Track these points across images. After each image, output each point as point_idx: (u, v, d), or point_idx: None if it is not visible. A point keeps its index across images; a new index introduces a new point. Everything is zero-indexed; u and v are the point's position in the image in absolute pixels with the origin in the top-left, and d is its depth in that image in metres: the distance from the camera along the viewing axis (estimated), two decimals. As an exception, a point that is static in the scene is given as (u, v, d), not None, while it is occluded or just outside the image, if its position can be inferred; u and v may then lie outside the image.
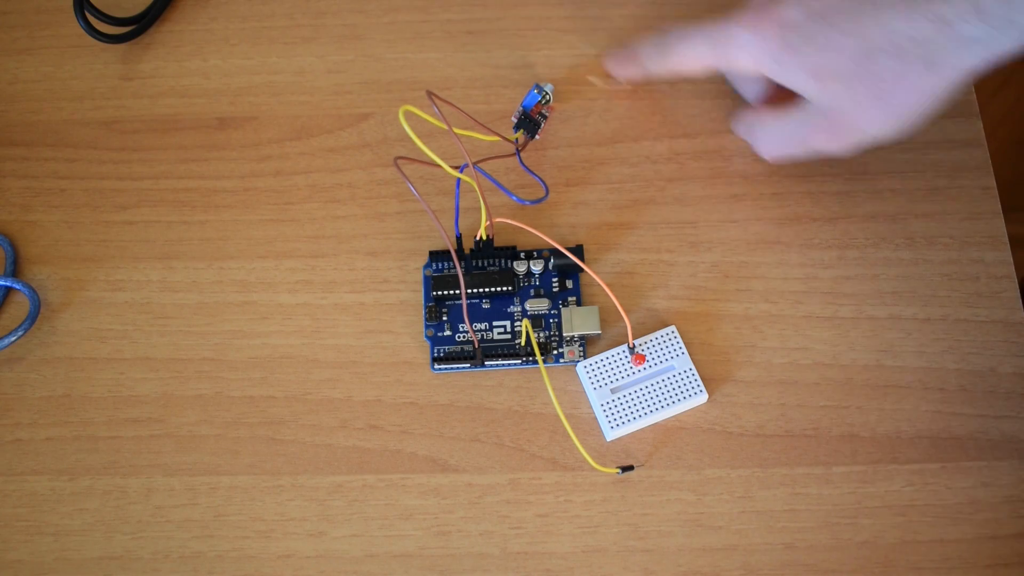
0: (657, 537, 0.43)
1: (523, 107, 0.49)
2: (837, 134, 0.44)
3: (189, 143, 0.52)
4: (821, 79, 0.43)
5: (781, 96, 0.47)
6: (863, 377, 0.45)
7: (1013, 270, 0.47)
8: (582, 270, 0.47)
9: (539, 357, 0.45)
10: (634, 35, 0.51)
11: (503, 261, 0.48)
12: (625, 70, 0.51)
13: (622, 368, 0.45)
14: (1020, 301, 0.47)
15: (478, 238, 0.47)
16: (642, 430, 0.45)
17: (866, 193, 0.49)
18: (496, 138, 0.49)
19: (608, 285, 0.45)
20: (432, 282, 0.47)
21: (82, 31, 0.52)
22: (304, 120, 0.52)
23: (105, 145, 0.52)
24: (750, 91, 0.49)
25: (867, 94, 0.42)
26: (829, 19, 0.42)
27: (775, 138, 0.47)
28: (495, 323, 0.47)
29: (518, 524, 0.44)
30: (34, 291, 0.48)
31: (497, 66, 0.53)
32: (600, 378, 0.45)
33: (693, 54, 0.47)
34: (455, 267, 0.47)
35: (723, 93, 0.52)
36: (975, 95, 0.51)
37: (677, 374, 0.45)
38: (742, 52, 0.44)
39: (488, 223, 0.46)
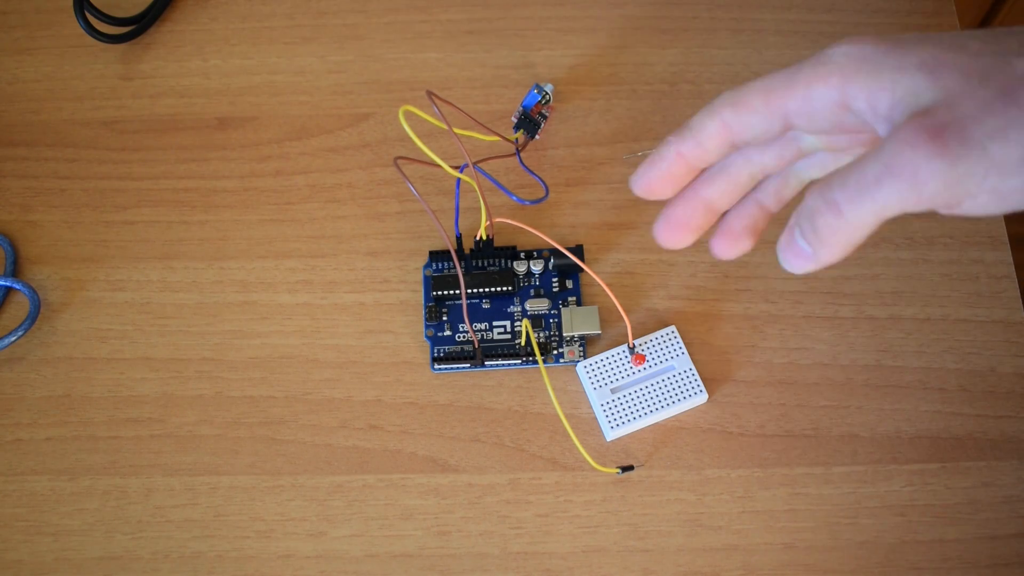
0: (657, 537, 0.43)
1: (523, 107, 0.49)
2: (942, 140, 0.30)
3: (189, 143, 0.52)
4: (934, 70, 0.31)
5: None
6: (863, 377, 0.45)
7: (1013, 270, 0.47)
8: (582, 270, 0.47)
9: (539, 357, 0.45)
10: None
11: (503, 261, 0.48)
12: (655, 172, 0.36)
13: (622, 368, 0.45)
14: (1020, 301, 0.47)
15: (478, 238, 0.47)
16: (642, 430, 0.45)
17: (866, 193, 0.49)
18: (496, 138, 0.49)
19: (608, 285, 0.45)
20: (432, 282, 0.47)
21: (82, 31, 0.52)
22: (304, 120, 0.52)
23: (105, 145, 0.52)
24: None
25: (992, 88, 0.30)
26: (952, 32, 0.33)
27: (860, 187, 0.31)
28: (495, 323, 0.47)
29: (518, 524, 0.44)
30: (34, 291, 0.48)
31: (497, 66, 0.53)
32: (600, 378, 0.45)
33: (761, 88, 0.34)
34: (455, 267, 0.47)
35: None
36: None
37: (677, 374, 0.45)
38: (829, 67, 0.32)
39: (488, 223, 0.46)
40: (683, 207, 0.37)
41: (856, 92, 0.32)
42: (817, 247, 0.32)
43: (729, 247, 0.38)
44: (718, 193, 0.36)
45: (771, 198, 0.37)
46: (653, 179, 0.36)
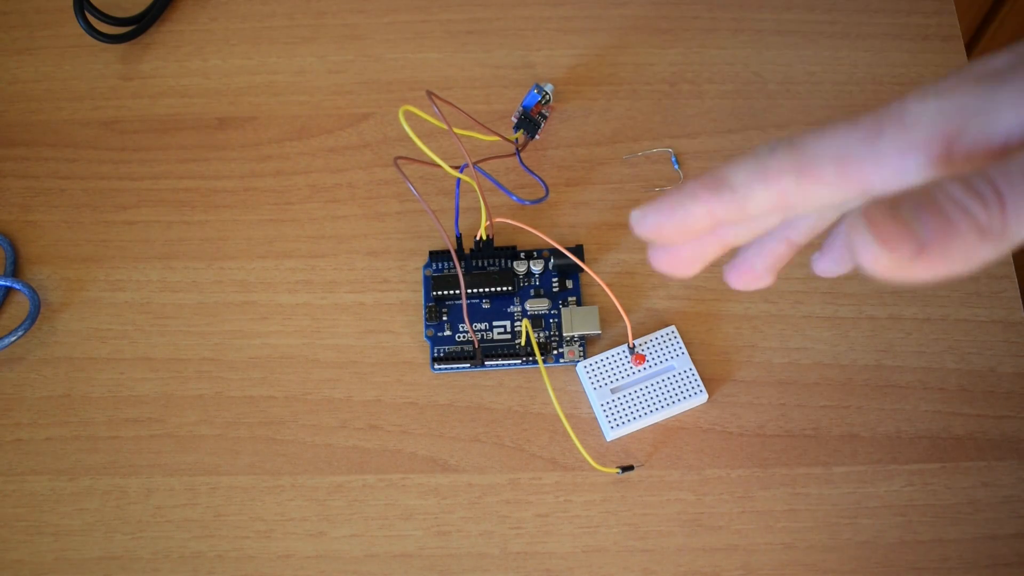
0: (657, 537, 0.43)
1: (523, 107, 0.50)
2: None
3: (189, 143, 0.52)
4: None
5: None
6: (863, 377, 0.45)
7: (1013, 270, 0.47)
8: (582, 270, 0.47)
9: (539, 357, 0.45)
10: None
11: (503, 261, 0.48)
12: (670, 222, 0.28)
13: (622, 368, 0.45)
14: (1020, 301, 0.47)
15: (478, 238, 0.47)
16: (642, 430, 0.45)
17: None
18: (496, 138, 0.49)
19: (608, 285, 0.45)
20: (432, 282, 0.47)
21: (82, 31, 0.52)
22: (304, 120, 0.52)
23: (105, 145, 0.52)
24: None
25: None
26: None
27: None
28: (495, 323, 0.47)
29: (518, 524, 0.44)
30: (34, 291, 0.48)
31: (497, 66, 0.53)
32: (600, 378, 0.45)
33: (834, 156, 0.26)
34: (455, 267, 0.47)
35: (723, 93, 0.52)
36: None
37: (677, 374, 0.45)
38: (920, 132, 0.26)
39: (488, 223, 0.46)
40: (693, 243, 0.30)
41: (954, 135, 0.26)
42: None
43: (747, 283, 0.33)
44: (739, 235, 0.30)
45: (802, 234, 0.31)
46: (666, 228, 0.28)
